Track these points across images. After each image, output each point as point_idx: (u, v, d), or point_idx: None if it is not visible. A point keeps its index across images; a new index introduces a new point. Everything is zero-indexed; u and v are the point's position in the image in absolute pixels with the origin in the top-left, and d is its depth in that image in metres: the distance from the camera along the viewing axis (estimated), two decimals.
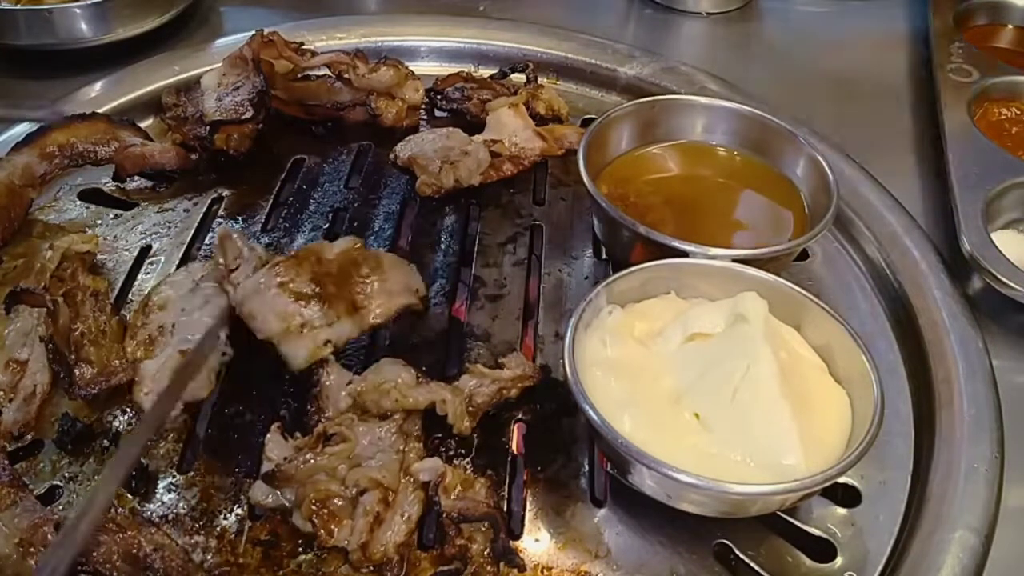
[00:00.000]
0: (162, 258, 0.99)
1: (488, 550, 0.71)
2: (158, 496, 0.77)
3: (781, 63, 1.40)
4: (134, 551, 0.69)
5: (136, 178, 1.08)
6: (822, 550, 0.75)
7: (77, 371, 0.81)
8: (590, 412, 0.71)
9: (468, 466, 0.79)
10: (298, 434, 0.77)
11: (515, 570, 0.72)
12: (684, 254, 0.86)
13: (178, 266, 0.97)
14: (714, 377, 0.74)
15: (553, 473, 0.79)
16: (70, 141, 1.05)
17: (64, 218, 1.04)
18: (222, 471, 0.79)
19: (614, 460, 0.76)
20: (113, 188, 1.09)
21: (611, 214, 0.90)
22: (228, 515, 0.76)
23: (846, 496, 0.79)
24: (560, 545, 0.74)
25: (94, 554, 0.68)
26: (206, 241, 1.02)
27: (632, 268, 0.83)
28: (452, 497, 0.73)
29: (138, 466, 0.77)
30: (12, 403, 0.81)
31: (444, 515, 0.72)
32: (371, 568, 0.71)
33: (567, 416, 0.83)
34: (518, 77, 1.22)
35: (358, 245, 0.85)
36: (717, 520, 0.75)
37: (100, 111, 1.12)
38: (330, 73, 1.17)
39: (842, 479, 0.77)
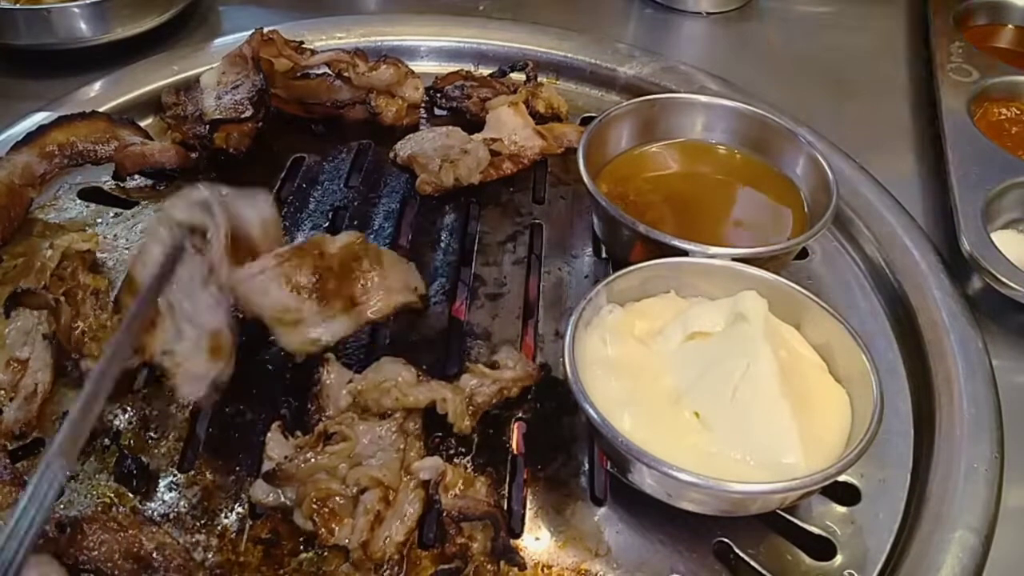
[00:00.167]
0: None
1: (488, 549, 0.71)
2: (159, 495, 0.77)
3: (781, 63, 1.40)
4: (135, 550, 0.69)
5: (136, 177, 1.08)
6: (822, 548, 0.75)
7: (83, 364, 0.81)
8: (590, 411, 0.71)
9: (468, 465, 0.79)
10: (299, 433, 0.77)
11: (515, 568, 0.72)
12: (684, 253, 0.86)
13: None
14: (714, 376, 0.74)
15: (553, 472, 0.79)
16: (70, 140, 1.05)
17: (64, 217, 1.04)
18: (223, 470, 0.79)
19: (614, 459, 0.76)
20: (113, 187, 1.09)
21: (611, 213, 0.90)
22: (229, 514, 0.76)
23: (846, 494, 0.79)
24: (560, 543, 0.74)
25: (95, 553, 0.68)
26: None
27: (632, 267, 0.83)
28: (452, 496, 0.73)
29: (139, 464, 0.77)
30: (13, 402, 0.81)
31: (444, 514, 0.72)
32: (372, 567, 0.71)
33: (567, 415, 0.83)
34: (518, 76, 1.22)
35: (359, 240, 0.85)
36: (717, 518, 0.75)
37: (100, 110, 1.12)
38: (330, 71, 1.17)
39: (842, 478, 0.77)
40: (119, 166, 1.06)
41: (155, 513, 0.75)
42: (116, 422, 0.82)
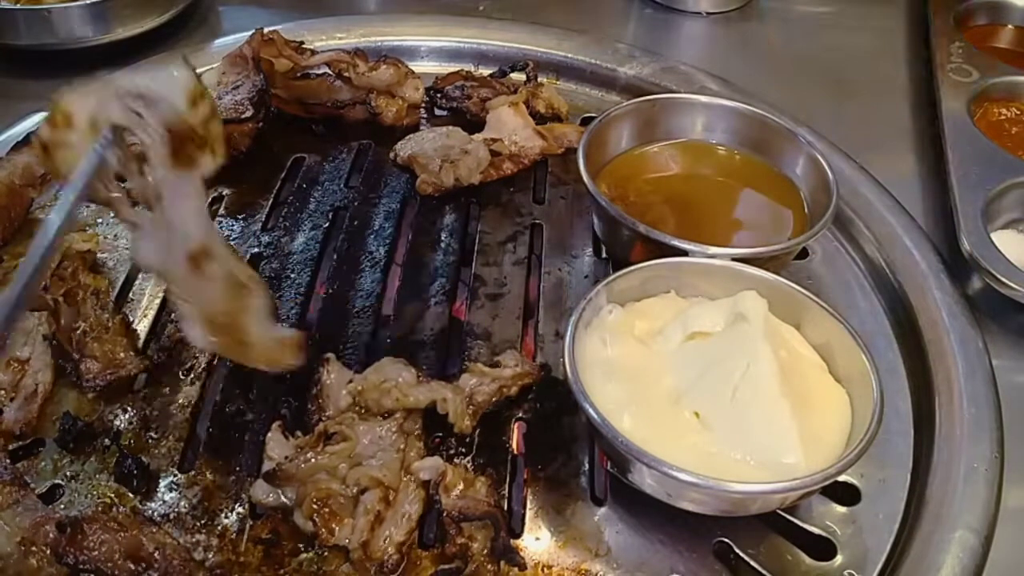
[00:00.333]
0: None
1: (489, 549, 0.71)
2: (159, 495, 0.77)
3: (781, 63, 1.40)
4: (135, 550, 0.69)
5: None
6: (822, 548, 0.75)
7: (82, 366, 0.81)
8: (590, 411, 0.71)
9: (469, 465, 0.79)
10: (299, 433, 0.77)
11: (515, 568, 0.72)
12: (684, 253, 0.86)
13: None
14: (714, 376, 0.74)
15: (553, 472, 0.79)
16: None
17: None
18: (223, 470, 0.79)
19: (614, 459, 0.76)
20: None
21: (611, 213, 0.90)
22: (229, 514, 0.76)
23: (846, 494, 0.79)
24: (560, 543, 0.74)
25: (95, 553, 0.68)
26: None
27: (632, 267, 0.83)
28: (453, 496, 0.73)
29: (139, 465, 0.77)
30: (13, 402, 0.81)
31: (445, 514, 0.72)
32: (372, 567, 0.71)
33: (567, 415, 0.83)
34: (518, 76, 1.22)
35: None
36: (717, 518, 0.75)
37: None
38: (330, 72, 1.17)
39: (842, 477, 0.77)
40: None
41: (155, 513, 0.75)
42: (116, 422, 0.82)
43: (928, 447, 0.81)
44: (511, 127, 1.12)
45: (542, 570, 0.73)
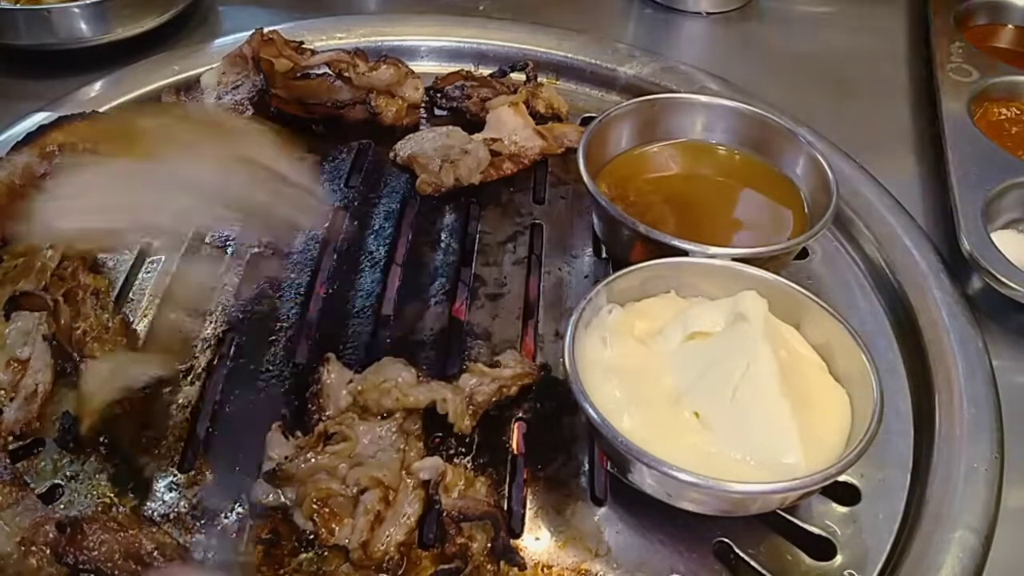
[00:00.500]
0: (163, 256, 0.99)
1: (489, 549, 0.71)
2: (159, 495, 0.77)
3: (781, 63, 1.40)
4: (135, 550, 0.69)
5: None
6: (822, 548, 0.75)
7: (83, 366, 0.81)
8: (590, 411, 0.71)
9: (468, 465, 0.79)
10: (299, 433, 0.77)
11: (515, 568, 0.72)
12: (684, 253, 0.86)
13: (178, 265, 0.98)
14: (714, 376, 0.74)
15: (553, 472, 0.79)
16: (70, 140, 1.05)
17: None
18: (223, 470, 0.79)
19: (614, 459, 0.76)
20: None
21: (611, 213, 0.90)
22: (229, 514, 0.76)
23: (846, 494, 0.79)
24: (560, 543, 0.74)
25: (95, 553, 0.68)
26: (206, 240, 1.02)
27: (632, 267, 0.83)
28: (453, 496, 0.73)
29: (139, 465, 0.77)
30: (13, 402, 0.81)
31: (445, 514, 0.72)
32: (372, 567, 0.71)
33: (567, 415, 0.83)
34: (518, 76, 1.22)
35: None
36: (717, 518, 0.75)
37: (100, 110, 1.12)
38: (330, 72, 1.16)
39: (842, 478, 0.77)
40: None
41: (155, 513, 0.75)
42: (116, 422, 0.82)
43: (928, 447, 0.81)
44: (511, 127, 1.12)
45: (542, 570, 0.73)
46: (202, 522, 0.75)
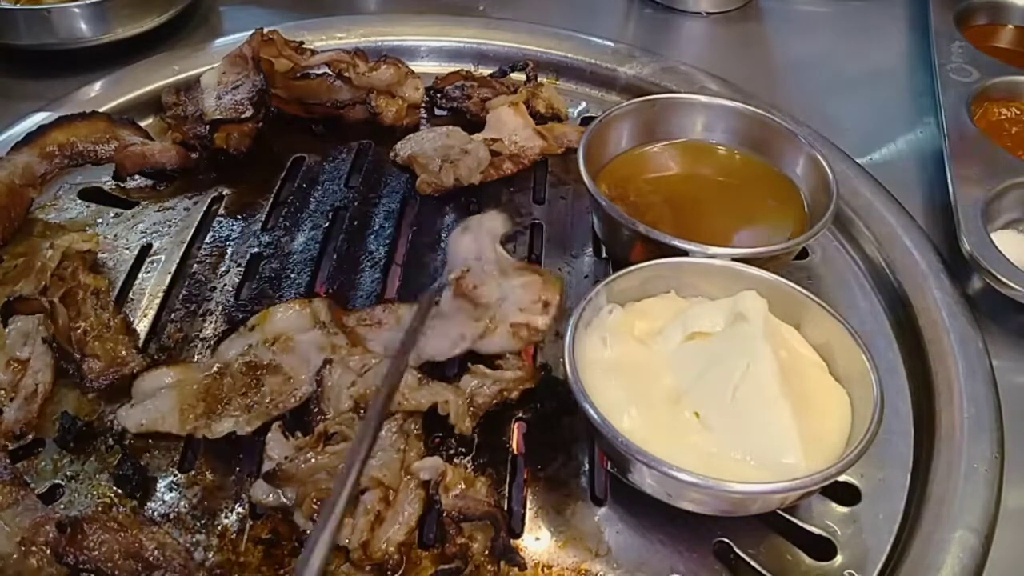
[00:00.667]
0: (162, 257, 0.99)
1: (489, 549, 0.71)
2: (159, 495, 0.77)
3: (781, 63, 1.40)
4: (135, 550, 0.69)
5: (136, 177, 1.08)
6: (822, 548, 0.75)
7: (85, 366, 0.81)
8: (590, 411, 0.71)
9: (469, 465, 0.79)
10: (299, 433, 0.77)
11: (515, 568, 0.72)
12: (684, 253, 0.86)
13: (178, 265, 0.98)
14: (714, 376, 0.74)
15: (553, 472, 0.79)
16: (70, 140, 1.05)
17: (64, 217, 1.04)
18: (223, 470, 0.79)
19: (614, 459, 0.76)
20: (113, 187, 1.09)
21: (611, 213, 0.90)
22: (229, 514, 0.76)
23: (846, 494, 0.79)
24: (560, 544, 0.74)
25: (95, 553, 0.68)
26: (206, 240, 1.02)
27: (632, 267, 0.83)
28: (453, 496, 0.73)
29: (138, 466, 0.77)
30: (13, 402, 0.81)
31: (445, 514, 0.72)
32: (372, 567, 0.71)
33: (567, 415, 0.83)
34: (518, 76, 1.22)
35: None
36: (717, 518, 0.75)
37: (100, 110, 1.12)
38: (330, 72, 1.17)
39: (842, 478, 0.77)
40: (119, 166, 1.06)
41: (155, 513, 0.75)
42: (118, 423, 0.82)
43: (928, 447, 0.81)
44: (511, 127, 1.12)
45: (542, 570, 0.73)
46: (202, 522, 0.75)
